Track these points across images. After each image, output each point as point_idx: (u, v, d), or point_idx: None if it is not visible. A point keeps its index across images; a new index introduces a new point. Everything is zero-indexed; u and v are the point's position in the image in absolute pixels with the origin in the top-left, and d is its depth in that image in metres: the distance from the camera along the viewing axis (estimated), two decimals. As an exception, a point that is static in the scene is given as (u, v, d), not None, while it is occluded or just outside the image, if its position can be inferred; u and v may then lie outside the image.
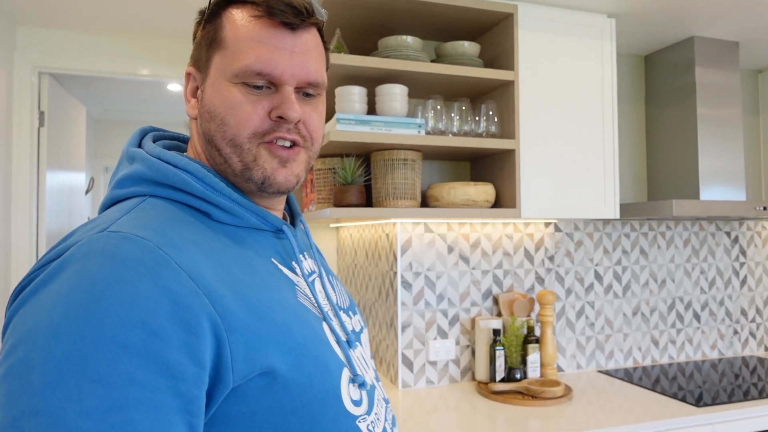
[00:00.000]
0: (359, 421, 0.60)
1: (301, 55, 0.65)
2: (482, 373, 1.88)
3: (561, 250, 2.11)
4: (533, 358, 1.87)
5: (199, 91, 0.68)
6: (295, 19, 0.63)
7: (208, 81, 0.66)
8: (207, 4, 0.68)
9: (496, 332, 1.85)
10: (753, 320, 2.41)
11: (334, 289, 0.75)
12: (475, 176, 1.99)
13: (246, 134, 0.64)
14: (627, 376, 2.02)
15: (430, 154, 1.86)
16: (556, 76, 1.78)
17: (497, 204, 1.83)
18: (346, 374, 0.61)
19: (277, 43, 0.64)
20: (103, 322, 0.46)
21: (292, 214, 0.80)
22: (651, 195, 2.27)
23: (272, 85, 0.65)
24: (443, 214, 1.64)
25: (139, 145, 0.68)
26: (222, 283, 0.53)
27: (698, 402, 1.70)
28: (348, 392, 0.60)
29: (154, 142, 0.70)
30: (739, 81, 2.14)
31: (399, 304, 1.88)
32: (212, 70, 0.65)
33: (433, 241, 1.93)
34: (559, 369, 2.08)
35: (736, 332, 2.37)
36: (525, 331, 1.89)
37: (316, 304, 0.65)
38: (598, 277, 2.16)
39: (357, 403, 0.61)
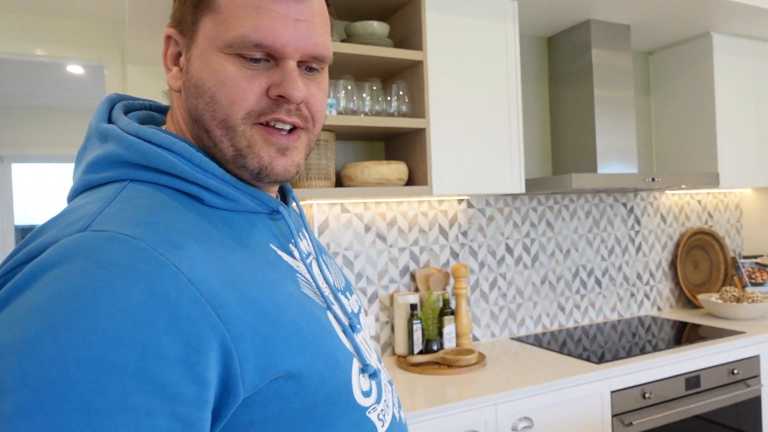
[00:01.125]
0: (369, 412, 0.57)
1: (307, 23, 0.56)
2: (401, 346, 1.94)
3: (474, 225, 2.19)
4: (449, 329, 1.95)
5: (182, 59, 0.58)
6: None
7: (194, 49, 0.56)
8: None
9: (413, 307, 1.91)
10: (647, 283, 2.63)
11: (329, 270, 0.69)
12: (389, 155, 2.02)
13: (240, 115, 0.55)
14: (537, 341, 2.15)
15: (343, 135, 1.87)
16: (463, 56, 1.84)
17: (410, 182, 1.87)
18: (356, 365, 0.57)
19: (280, 9, 0.54)
20: (89, 339, 0.39)
21: (283, 191, 0.72)
22: (555, 171, 2.40)
23: (272, 58, 0.56)
24: (357, 193, 1.66)
25: (110, 120, 0.59)
26: (224, 284, 0.47)
27: (600, 360, 1.85)
28: (359, 384, 0.56)
29: (125, 114, 0.60)
30: (631, 62, 2.30)
31: (318, 285, 1.89)
32: (200, 37, 0.56)
33: (350, 221, 1.95)
34: (475, 339, 2.18)
35: (632, 295, 2.58)
36: (441, 304, 1.97)
37: (318, 292, 0.59)
38: (509, 249, 2.27)
39: (367, 394, 0.57)
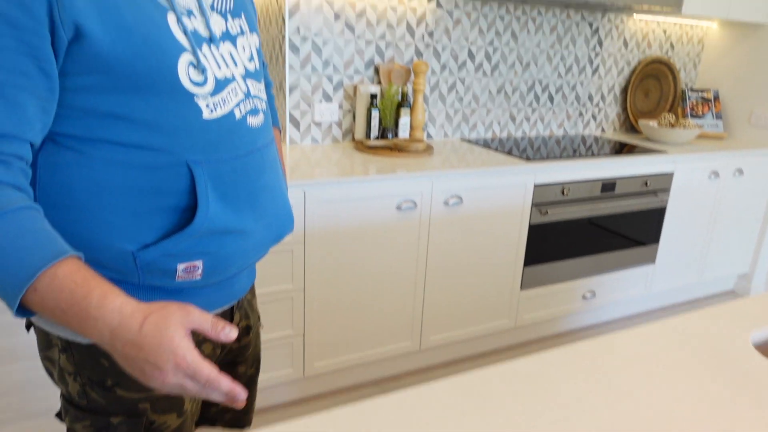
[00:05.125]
0: (198, 99, 0.72)
1: None
2: (360, 132, 2.15)
3: (440, 27, 2.28)
4: (404, 121, 2.15)
5: None
6: None
7: None
8: None
9: (373, 96, 2.07)
10: (596, 105, 2.83)
11: None
12: (365, -57, 2.01)
13: None
14: (485, 144, 2.39)
15: None
16: None
17: (382, -28, 1.90)
18: (185, 58, 0.71)
19: None
20: None
21: None
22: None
23: None
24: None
25: None
26: None
27: (529, 159, 2.10)
28: (186, 72, 0.71)
29: None
30: None
31: (287, 67, 2.02)
32: None
33: (320, 7, 2.01)
34: (429, 136, 2.41)
35: (581, 114, 2.79)
36: (399, 97, 2.14)
37: (170, 4, 0.71)
38: (471, 55, 2.39)
39: (198, 84, 0.72)
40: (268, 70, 1.33)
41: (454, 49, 2.34)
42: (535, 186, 2.08)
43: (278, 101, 2.13)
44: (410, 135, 2.20)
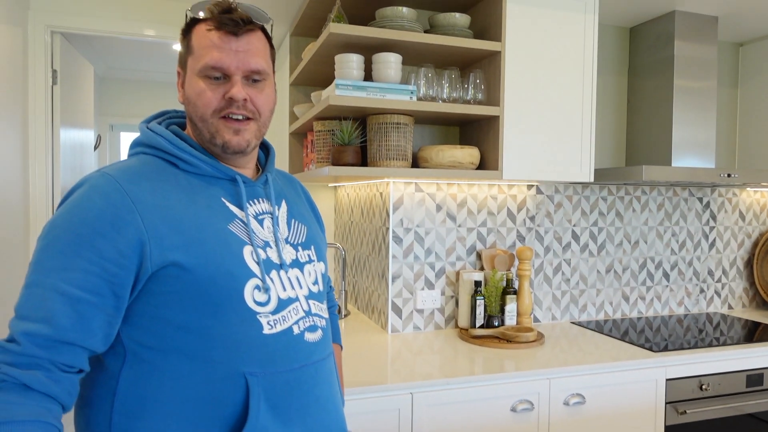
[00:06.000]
0: (260, 316, 0.86)
1: (244, 52, 0.91)
2: (464, 320, 2.07)
3: (542, 211, 2.27)
4: (510, 307, 2.06)
5: (183, 84, 0.96)
6: (236, 28, 0.90)
7: (186, 76, 0.94)
8: (184, 24, 0.97)
9: (477, 284, 2.03)
10: (719, 280, 2.60)
11: (288, 228, 0.99)
12: (464, 140, 2.13)
13: (209, 112, 0.91)
14: (598, 327, 2.21)
15: (422, 119, 2.00)
16: (540, 46, 1.91)
17: (482, 166, 1.98)
18: (252, 282, 0.86)
19: (225, 45, 0.90)
20: (72, 222, 0.79)
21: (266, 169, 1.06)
22: (628, 162, 2.42)
23: (225, 76, 0.91)
24: (431, 174, 1.80)
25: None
26: (157, 207, 0.83)
27: (659, 349, 1.90)
28: (252, 294, 0.85)
29: (170, 118, 1.02)
30: (716, 54, 2.26)
31: (390, 257, 2.06)
32: (188, 69, 0.94)
33: (423, 200, 2.09)
34: (536, 320, 2.28)
35: (702, 291, 2.57)
36: (504, 283, 2.07)
37: (247, 234, 0.90)
38: (575, 236, 2.33)
39: (261, 304, 0.86)
40: (334, 293, 1.58)
41: (557, 232, 2.30)
42: (668, 381, 1.84)
43: (381, 290, 2.14)
44: (518, 321, 2.09)
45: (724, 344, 1.96)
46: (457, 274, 2.14)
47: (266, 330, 0.85)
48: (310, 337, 0.91)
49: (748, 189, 2.63)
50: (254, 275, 0.86)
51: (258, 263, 0.88)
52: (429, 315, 2.12)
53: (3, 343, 0.74)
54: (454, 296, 2.15)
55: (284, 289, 0.90)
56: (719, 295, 2.60)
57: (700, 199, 2.54)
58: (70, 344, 0.74)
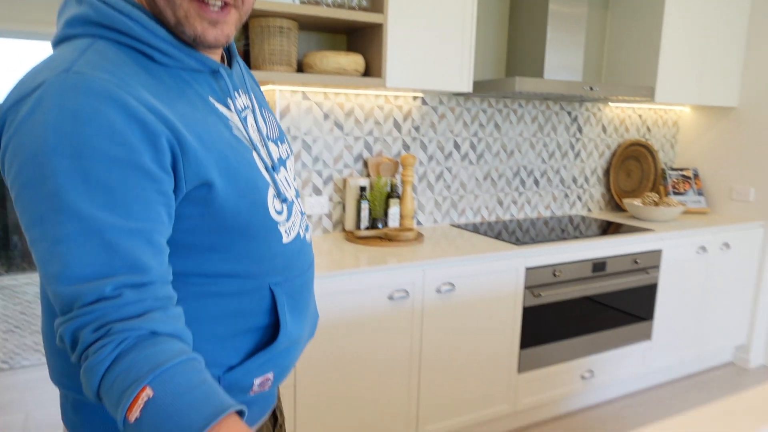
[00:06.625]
0: (279, 226, 0.78)
1: None
2: (350, 223, 2.20)
3: (426, 121, 2.39)
4: (393, 211, 2.21)
5: None
6: None
7: None
8: None
9: (362, 189, 2.14)
10: (581, 186, 2.91)
11: (265, 122, 0.85)
12: (351, 48, 2.16)
13: None
14: (474, 228, 2.44)
15: (307, 25, 2.00)
16: (423, -45, 1.94)
17: (367, 74, 2.04)
18: (271, 192, 0.76)
19: None
20: (94, 142, 0.59)
21: (229, 55, 0.87)
22: (507, 75, 2.57)
23: None
24: (315, 80, 1.83)
25: None
26: (175, 117, 0.66)
27: (520, 242, 2.14)
28: (273, 204, 0.76)
29: None
30: (588, -26, 2.41)
31: (279, 164, 2.10)
32: None
33: (310, 108, 2.13)
34: (419, 223, 2.46)
35: (566, 195, 2.87)
36: (388, 189, 2.21)
37: (247, 137, 0.77)
38: (457, 146, 2.49)
39: (279, 213, 0.78)
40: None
41: (440, 141, 2.44)
42: (527, 269, 2.10)
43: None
44: (400, 224, 2.25)
45: (576, 238, 2.26)
46: (344, 180, 2.24)
47: (285, 239, 0.79)
48: (308, 237, 0.88)
49: (611, 104, 2.91)
50: (269, 184, 0.77)
51: (267, 169, 0.78)
52: (317, 220, 2.22)
53: (95, 307, 0.60)
54: (341, 202, 2.26)
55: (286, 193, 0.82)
56: (581, 200, 2.93)
57: (569, 113, 2.79)
58: (161, 282, 0.64)
